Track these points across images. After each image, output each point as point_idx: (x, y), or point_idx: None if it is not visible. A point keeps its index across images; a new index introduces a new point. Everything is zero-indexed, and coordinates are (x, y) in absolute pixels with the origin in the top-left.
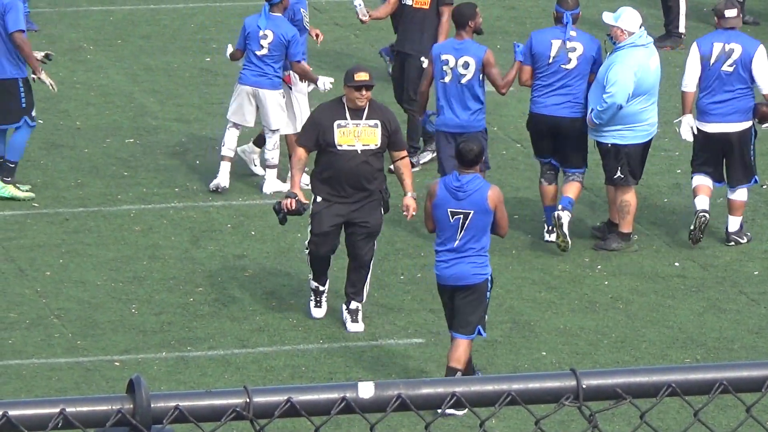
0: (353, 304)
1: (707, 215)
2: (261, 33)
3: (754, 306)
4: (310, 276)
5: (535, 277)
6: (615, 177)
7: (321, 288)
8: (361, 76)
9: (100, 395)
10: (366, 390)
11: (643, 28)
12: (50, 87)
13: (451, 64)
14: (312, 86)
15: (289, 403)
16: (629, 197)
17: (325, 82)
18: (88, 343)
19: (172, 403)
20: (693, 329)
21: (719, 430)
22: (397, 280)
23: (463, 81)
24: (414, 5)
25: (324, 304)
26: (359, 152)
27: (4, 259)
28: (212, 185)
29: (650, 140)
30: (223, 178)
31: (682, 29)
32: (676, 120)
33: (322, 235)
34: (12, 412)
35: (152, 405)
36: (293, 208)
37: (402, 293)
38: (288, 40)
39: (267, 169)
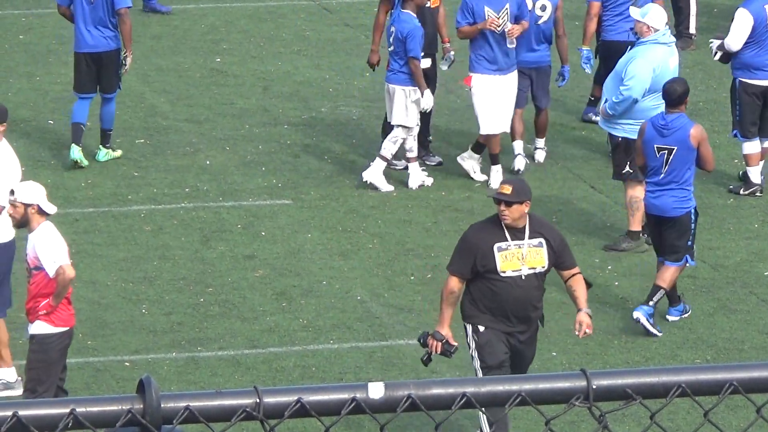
0: None
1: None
2: (391, 29)
3: (764, 306)
4: None
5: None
6: (624, 172)
7: None
8: (502, 189)
9: (110, 395)
10: (376, 390)
11: (667, 26)
12: (126, 69)
13: (530, 6)
14: (417, 96)
15: (299, 404)
16: (638, 193)
17: (428, 102)
18: (98, 344)
19: (183, 404)
20: (703, 330)
21: (729, 430)
22: (408, 280)
23: (540, 22)
24: (432, 5)
25: None
26: (525, 277)
27: (14, 259)
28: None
29: None
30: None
31: (692, 30)
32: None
33: (498, 367)
34: (22, 412)
35: (162, 405)
36: (439, 351)
37: (412, 294)
38: (405, 36)
39: (377, 159)
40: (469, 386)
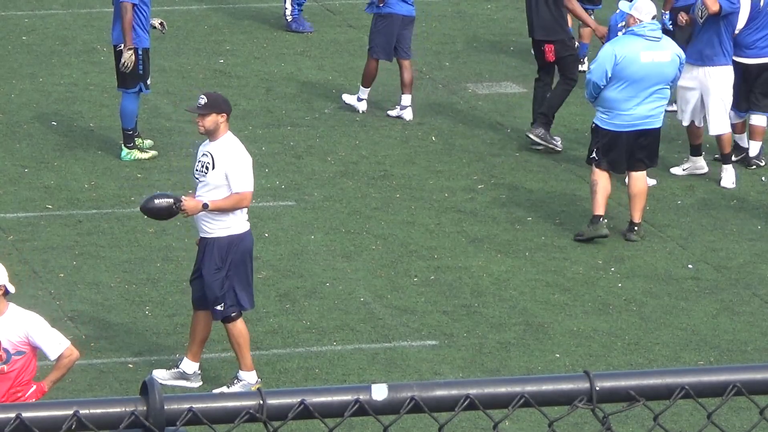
0: None
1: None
2: (619, 25)
3: (767, 308)
4: None
5: (548, 279)
6: (591, 156)
7: None
8: None
9: (113, 397)
10: (379, 392)
11: (654, 20)
12: (123, 63)
13: None
14: None
15: (302, 405)
16: (598, 178)
17: None
18: (101, 345)
19: (186, 405)
20: (706, 331)
21: None
22: (411, 282)
23: None
24: None
25: None
26: None
27: (17, 261)
28: None
29: (635, 132)
30: None
31: None
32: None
33: None
34: (25, 414)
35: (165, 407)
36: None
37: (416, 295)
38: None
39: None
40: (472, 388)
